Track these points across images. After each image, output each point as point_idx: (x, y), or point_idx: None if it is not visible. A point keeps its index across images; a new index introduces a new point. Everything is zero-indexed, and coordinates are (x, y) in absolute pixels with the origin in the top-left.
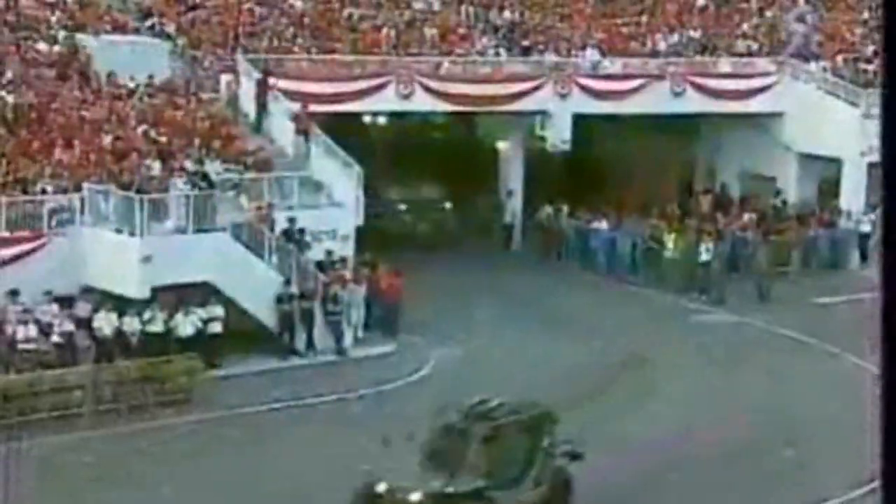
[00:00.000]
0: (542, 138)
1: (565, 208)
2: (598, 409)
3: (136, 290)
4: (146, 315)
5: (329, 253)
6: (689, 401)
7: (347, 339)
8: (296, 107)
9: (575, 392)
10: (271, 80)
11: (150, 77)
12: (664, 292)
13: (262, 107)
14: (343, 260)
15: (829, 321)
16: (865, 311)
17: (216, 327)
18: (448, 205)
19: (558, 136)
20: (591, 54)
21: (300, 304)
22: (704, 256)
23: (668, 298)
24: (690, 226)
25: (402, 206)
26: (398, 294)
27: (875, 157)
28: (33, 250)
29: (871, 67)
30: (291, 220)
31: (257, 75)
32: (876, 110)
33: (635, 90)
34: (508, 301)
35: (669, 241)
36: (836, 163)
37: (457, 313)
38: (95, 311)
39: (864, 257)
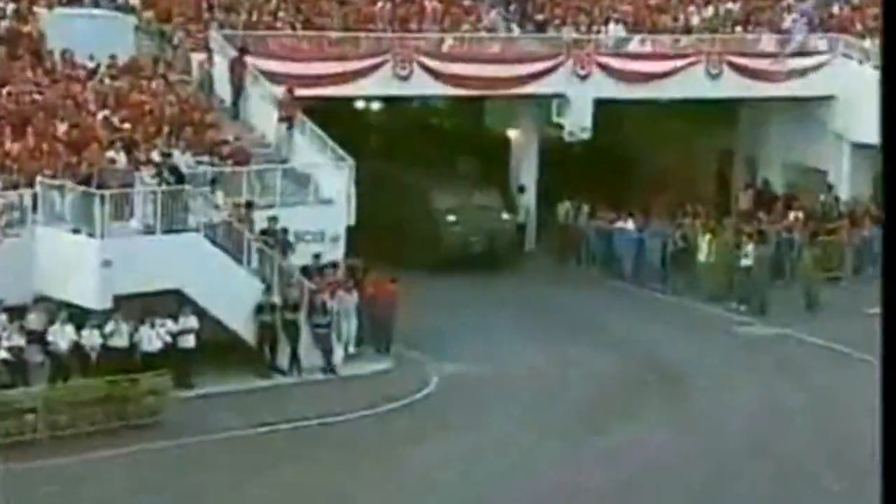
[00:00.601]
0: (559, 126)
1: (585, 206)
2: (627, 436)
3: (96, 298)
4: (107, 327)
5: (316, 257)
6: (728, 426)
7: (337, 356)
8: (278, 90)
9: (599, 415)
10: (249, 60)
11: (112, 56)
12: (698, 301)
13: (239, 90)
14: (333, 265)
15: None
16: None
17: (188, 341)
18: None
19: (577, 123)
20: (615, 30)
21: (283, 314)
22: (744, 261)
23: (702, 308)
24: (728, 226)
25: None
26: (393, 304)
27: None
28: None
29: None
30: (273, 219)
31: (234, 54)
32: None
33: (665, 71)
34: (520, 313)
35: (704, 243)
36: None
37: (461, 325)
38: (50, 322)
39: None
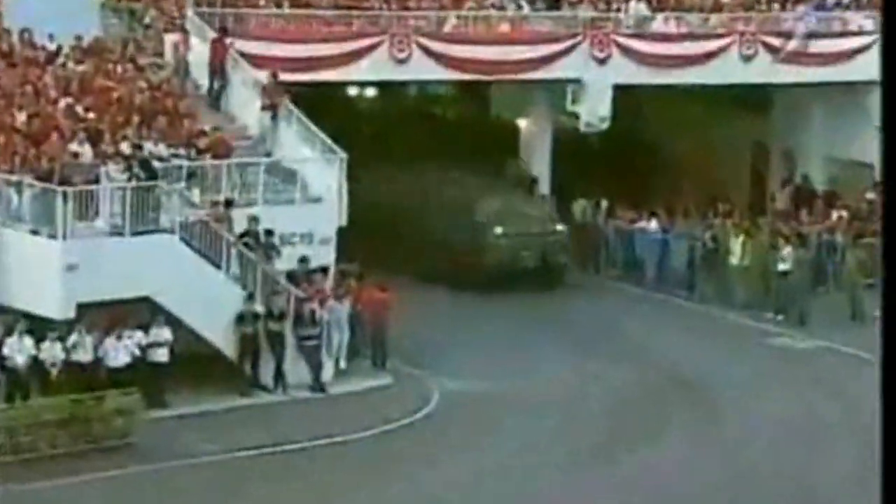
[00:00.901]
0: (574, 115)
1: (604, 204)
2: (646, 462)
3: (57, 307)
4: (70, 340)
5: (304, 261)
6: (760, 452)
7: (327, 371)
8: (262, 75)
9: (617, 438)
10: (229, 41)
11: (76, 37)
12: (729, 310)
13: (218, 75)
14: (323, 270)
15: None
16: None
17: (160, 355)
18: None
19: (594, 111)
20: (637, 8)
21: (267, 325)
22: (781, 265)
23: (734, 318)
24: (763, 226)
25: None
26: (385, 313)
27: None
28: None
29: None
30: (255, 219)
31: (213, 34)
32: None
33: (693, 54)
34: (531, 326)
35: (737, 245)
36: None
37: (463, 337)
38: (6, 334)
39: None
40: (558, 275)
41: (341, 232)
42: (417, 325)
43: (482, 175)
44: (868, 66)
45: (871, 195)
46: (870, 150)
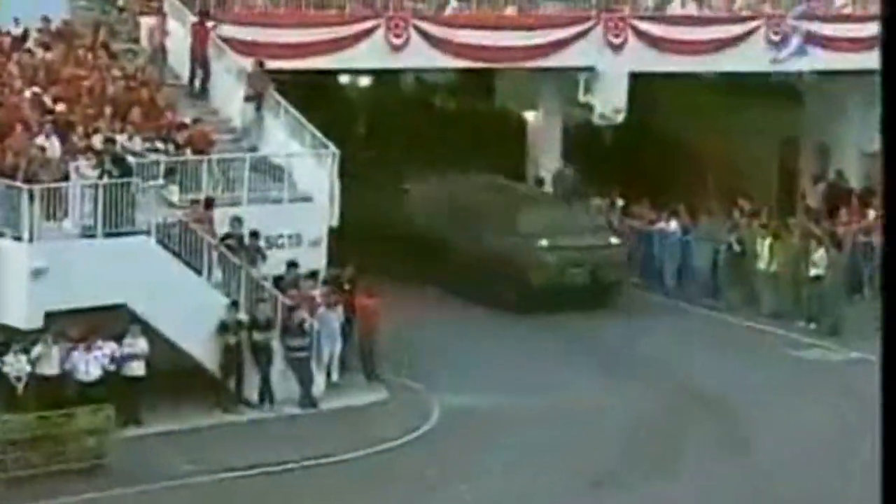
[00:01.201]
0: (587, 106)
1: (619, 202)
2: (658, 493)
3: (23, 316)
4: (36, 351)
5: (292, 265)
6: (791, 481)
7: (318, 385)
8: (247, 63)
9: (631, 465)
10: (211, 25)
11: (45, 20)
12: (757, 319)
13: (199, 63)
14: (313, 275)
15: None
16: None
17: (135, 368)
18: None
19: (609, 103)
20: None
21: (252, 335)
22: (813, 269)
23: (762, 328)
24: (794, 227)
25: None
26: (374, 321)
27: None
28: None
29: None
30: (238, 220)
31: (193, 18)
32: None
33: (716, 39)
34: (538, 336)
35: (764, 248)
36: None
37: (467, 348)
38: None
39: None
40: (611, 295)
41: (338, 234)
42: (405, 332)
43: (504, 175)
44: None
45: None
46: None
